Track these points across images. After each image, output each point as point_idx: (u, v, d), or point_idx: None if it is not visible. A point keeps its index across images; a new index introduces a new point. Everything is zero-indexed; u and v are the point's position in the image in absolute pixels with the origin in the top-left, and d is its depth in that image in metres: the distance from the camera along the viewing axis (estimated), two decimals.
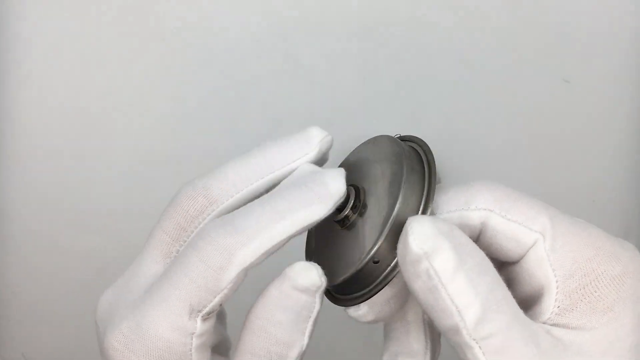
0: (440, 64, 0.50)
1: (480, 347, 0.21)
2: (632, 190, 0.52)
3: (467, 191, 0.24)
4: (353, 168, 0.28)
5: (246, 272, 0.24)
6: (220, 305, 0.24)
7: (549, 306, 0.23)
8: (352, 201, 0.26)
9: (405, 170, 0.24)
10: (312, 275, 0.23)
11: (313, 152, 0.27)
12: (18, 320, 0.52)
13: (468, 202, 0.24)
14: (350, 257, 0.25)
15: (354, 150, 0.29)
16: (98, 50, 0.48)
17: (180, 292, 0.23)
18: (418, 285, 0.22)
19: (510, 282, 0.24)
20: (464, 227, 0.24)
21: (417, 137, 0.27)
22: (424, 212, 0.24)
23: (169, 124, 0.50)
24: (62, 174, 0.50)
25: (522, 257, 0.24)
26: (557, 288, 0.23)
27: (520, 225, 0.23)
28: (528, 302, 0.24)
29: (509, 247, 0.24)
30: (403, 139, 0.27)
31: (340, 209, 0.25)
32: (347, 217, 0.26)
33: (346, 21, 0.49)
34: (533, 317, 0.23)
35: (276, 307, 0.24)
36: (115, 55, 0.48)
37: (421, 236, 0.21)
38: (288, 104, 0.50)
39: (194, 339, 0.24)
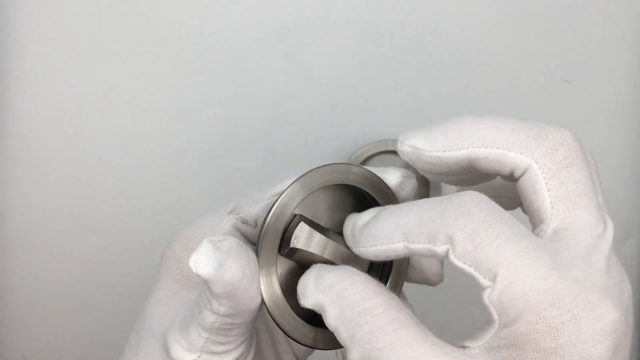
0: (440, 64, 0.50)
1: None
2: (632, 190, 0.52)
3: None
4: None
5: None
6: (255, 224, 0.27)
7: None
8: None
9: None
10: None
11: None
12: (18, 320, 0.52)
13: None
14: None
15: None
16: (97, 50, 0.48)
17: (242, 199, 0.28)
18: None
19: None
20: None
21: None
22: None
23: (169, 124, 0.50)
24: (61, 175, 0.50)
25: None
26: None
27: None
28: None
29: None
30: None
31: None
32: None
33: (346, 21, 0.49)
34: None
35: None
36: (115, 56, 0.48)
37: (303, 292, 0.24)
38: (288, 104, 0.50)
39: (217, 231, 0.27)
